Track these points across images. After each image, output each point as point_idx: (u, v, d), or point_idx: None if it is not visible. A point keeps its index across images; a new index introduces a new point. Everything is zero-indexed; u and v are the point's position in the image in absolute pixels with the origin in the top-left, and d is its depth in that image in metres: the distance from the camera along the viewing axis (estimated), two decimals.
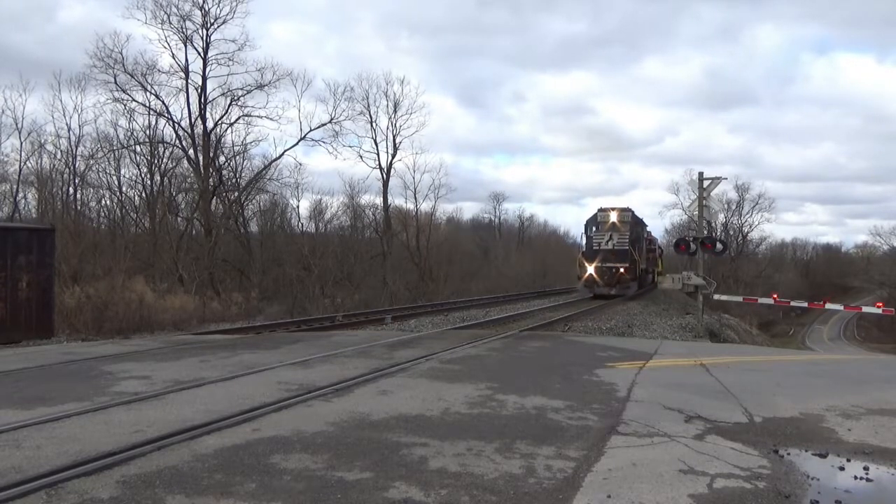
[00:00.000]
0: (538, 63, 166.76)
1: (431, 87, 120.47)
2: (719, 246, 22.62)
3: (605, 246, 28.21)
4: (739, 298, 24.84)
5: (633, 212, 29.73)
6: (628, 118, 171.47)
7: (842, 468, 4.91)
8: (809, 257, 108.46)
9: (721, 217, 63.40)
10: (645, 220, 37.01)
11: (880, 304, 24.84)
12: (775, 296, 26.00)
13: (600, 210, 29.52)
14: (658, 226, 78.42)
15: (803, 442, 5.58)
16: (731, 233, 68.46)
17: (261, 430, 5.51)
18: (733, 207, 68.84)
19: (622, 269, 27.59)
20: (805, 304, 25.26)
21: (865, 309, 29.05)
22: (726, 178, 23.95)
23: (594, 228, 29.15)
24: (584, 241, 30.02)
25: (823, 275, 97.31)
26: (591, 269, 27.81)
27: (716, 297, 22.00)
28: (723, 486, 4.37)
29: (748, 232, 71.47)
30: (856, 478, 4.70)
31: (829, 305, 27.25)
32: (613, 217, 28.66)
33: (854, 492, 4.42)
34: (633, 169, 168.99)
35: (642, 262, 30.89)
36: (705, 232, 21.01)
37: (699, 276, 18.91)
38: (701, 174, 19.37)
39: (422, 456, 4.87)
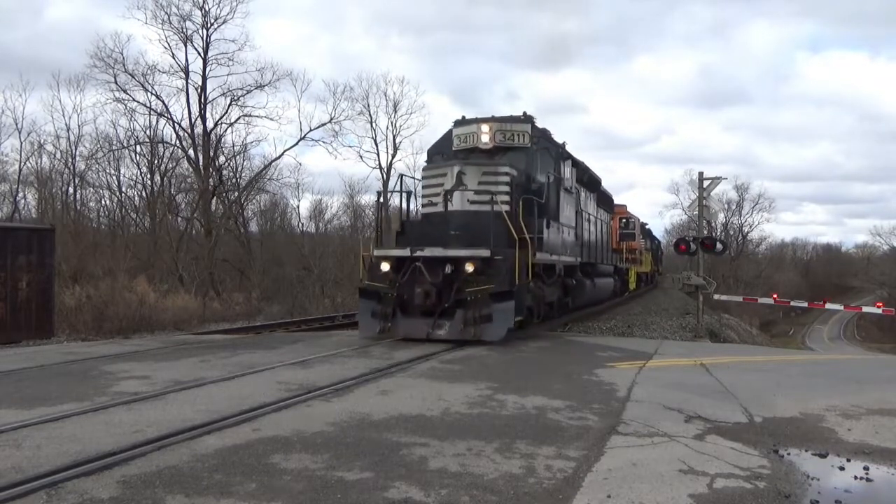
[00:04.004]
0: (531, 61, 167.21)
1: (425, 85, 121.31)
2: (719, 246, 22.62)
3: (439, 206, 12.12)
4: (739, 298, 24.87)
5: (537, 127, 13.88)
6: (623, 117, 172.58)
7: (842, 468, 4.91)
8: (809, 257, 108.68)
9: (721, 217, 63.44)
10: (641, 216, 26.67)
11: (880, 304, 24.89)
12: (775, 296, 26.05)
13: (458, 123, 13.82)
14: (658, 226, 78.42)
15: (803, 442, 5.57)
16: (731, 233, 68.59)
17: (261, 430, 5.51)
18: (733, 207, 69.09)
19: (467, 265, 10.99)
20: (805, 304, 25.30)
21: (865, 309, 29.12)
22: (726, 178, 23.98)
23: (436, 162, 13.83)
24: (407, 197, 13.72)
25: (823, 275, 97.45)
26: (385, 265, 11.54)
27: (716, 297, 22.01)
28: (723, 486, 4.37)
29: (748, 232, 71.78)
30: (856, 478, 4.69)
31: (829, 305, 27.30)
32: (484, 135, 13.04)
33: (854, 492, 4.42)
34: (630, 168, 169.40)
35: (562, 245, 13.95)
36: (705, 232, 21.01)
37: (699, 276, 18.90)
38: (701, 174, 19.34)
39: (422, 456, 4.87)
